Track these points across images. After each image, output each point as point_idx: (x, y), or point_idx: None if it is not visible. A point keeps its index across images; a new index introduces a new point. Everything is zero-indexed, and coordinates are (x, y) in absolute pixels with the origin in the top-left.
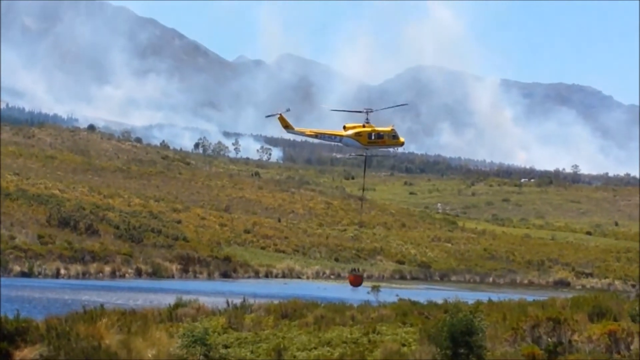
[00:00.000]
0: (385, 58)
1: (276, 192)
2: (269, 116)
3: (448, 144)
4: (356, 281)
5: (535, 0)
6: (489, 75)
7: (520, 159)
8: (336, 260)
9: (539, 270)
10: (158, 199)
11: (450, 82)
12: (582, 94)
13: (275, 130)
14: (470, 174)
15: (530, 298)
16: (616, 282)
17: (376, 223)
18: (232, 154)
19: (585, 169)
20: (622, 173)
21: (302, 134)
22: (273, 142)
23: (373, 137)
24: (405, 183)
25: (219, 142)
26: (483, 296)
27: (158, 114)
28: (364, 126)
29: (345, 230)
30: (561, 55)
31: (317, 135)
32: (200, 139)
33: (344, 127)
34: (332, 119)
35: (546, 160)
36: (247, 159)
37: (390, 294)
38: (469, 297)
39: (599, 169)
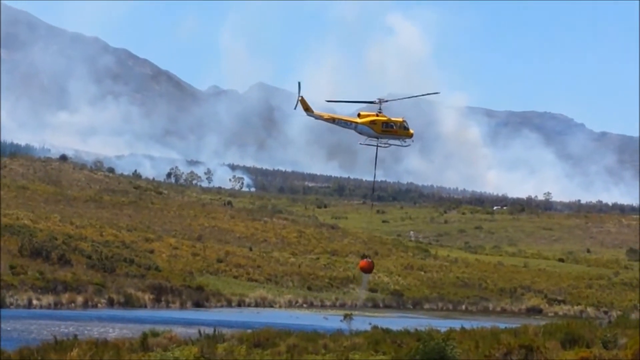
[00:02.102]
0: (353, 85)
1: (248, 221)
2: (299, 83)
3: (417, 170)
4: (368, 267)
5: (507, 25)
6: (456, 100)
7: (490, 185)
8: (309, 289)
9: (512, 297)
10: (130, 228)
11: (418, 108)
12: (554, 121)
13: (237, 158)
14: (443, 201)
15: (502, 325)
16: (588, 309)
17: (349, 251)
18: (204, 183)
19: (555, 195)
20: (594, 200)
21: (320, 117)
22: (245, 170)
23: (386, 127)
24: (378, 211)
25: (191, 172)
26: (455, 324)
27: (122, 142)
28: (377, 115)
29: (317, 258)
30: (533, 82)
31: (334, 121)
32: (172, 168)
33: (359, 115)
34: (296, 144)
35: (515, 185)
36: (220, 188)
37: (363, 322)
38: (442, 324)
39: (567, 195)
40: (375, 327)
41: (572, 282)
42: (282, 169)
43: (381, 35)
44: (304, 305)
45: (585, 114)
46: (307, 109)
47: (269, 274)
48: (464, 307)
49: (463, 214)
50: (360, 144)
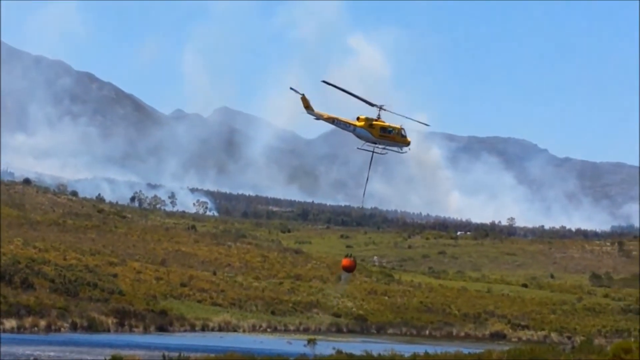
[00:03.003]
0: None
1: (212, 245)
2: (293, 89)
3: (380, 193)
4: (350, 266)
5: (470, 49)
6: (417, 124)
7: (452, 209)
8: (272, 313)
9: (475, 322)
10: (94, 252)
11: None
12: (517, 146)
13: (196, 182)
14: (407, 226)
15: (466, 351)
16: (552, 335)
17: (312, 276)
18: (168, 207)
19: (515, 219)
20: (557, 226)
21: (320, 116)
22: (209, 194)
23: (384, 132)
24: (342, 236)
25: (155, 196)
26: (419, 349)
27: (81, 164)
28: (375, 120)
29: (281, 283)
30: (497, 108)
31: (333, 121)
32: (136, 192)
33: (358, 119)
34: (256, 167)
35: (476, 209)
36: (183, 212)
37: (327, 347)
38: (406, 350)
39: (526, 219)
40: (339, 352)
41: (535, 308)
42: (246, 193)
43: (342, 57)
44: (268, 330)
45: (549, 140)
46: (307, 107)
47: (233, 298)
48: (427, 332)
49: (427, 239)
50: (358, 148)
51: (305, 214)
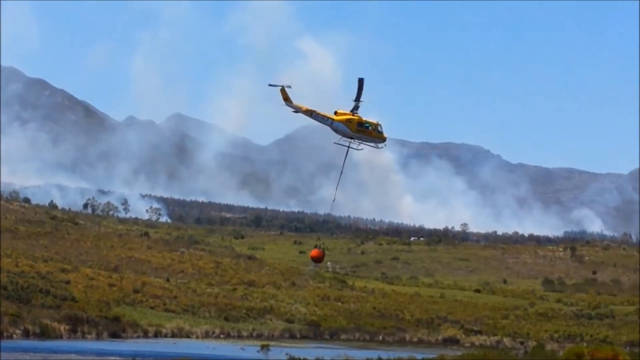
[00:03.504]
0: (267, 110)
1: (165, 251)
2: (271, 85)
3: (330, 199)
4: (318, 256)
5: (423, 54)
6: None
7: (404, 214)
8: (226, 319)
9: (428, 328)
10: (46, 259)
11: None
12: (470, 152)
13: (146, 188)
14: (360, 232)
15: (419, 356)
16: (505, 340)
17: (265, 282)
18: (121, 214)
19: (465, 225)
20: (510, 231)
21: (299, 109)
22: (162, 201)
23: (361, 127)
24: (295, 242)
25: (108, 202)
26: (372, 354)
27: (31, 169)
28: (352, 115)
29: (234, 289)
30: (450, 114)
31: (311, 114)
32: (89, 198)
33: (335, 112)
34: (207, 172)
35: (428, 214)
36: (137, 218)
37: (280, 352)
38: (359, 355)
39: (477, 224)
40: (292, 358)
41: (488, 313)
42: (198, 199)
43: (292, 60)
44: (221, 336)
45: (502, 146)
46: (286, 99)
47: (186, 304)
48: (381, 337)
49: (380, 245)
50: (334, 143)
51: (258, 220)
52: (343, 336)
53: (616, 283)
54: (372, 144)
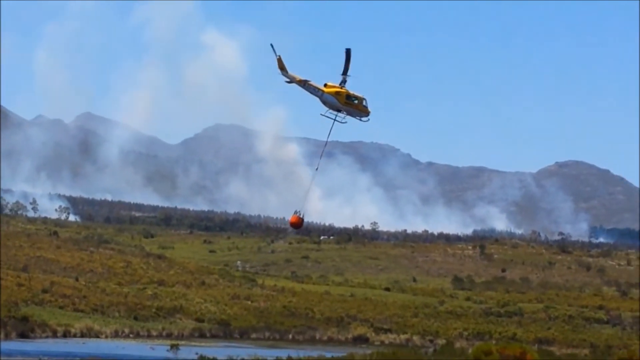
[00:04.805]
0: (175, 104)
1: (75, 251)
2: (272, 45)
3: (240, 197)
4: (297, 222)
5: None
6: (273, 125)
7: (312, 212)
8: (135, 319)
9: (338, 326)
10: None
11: (244, 138)
12: (379, 151)
13: (48, 186)
14: (270, 231)
15: (329, 354)
16: (414, 338)
17: (175, 281)
18: (30, 213)
19: (370, 223)
20: (419, 229)
21: (293, 79)
22: (71, 200)
23: (349, 99)
24: (205, 241)
25: (17, 202)
26: (282, 353)
27: None
28: (341, 88)
29: (144, 288)
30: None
31: (304, 84)
32: None
33: (325, 85)
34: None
35: (335, 212)
36: (45, 218)
37: (190, 352)
38: (269, 354)
39: (385, 222)
40: (202, 357)
41: (398, 311)
42: (108, 198)
43: (197, 53)
44: (131, 336)
45: (412, 144)
46: (282, 67)
47: (95, 304)
48: (290, 336)
49: (290, 243)
50: (321, 114)
51: (168, 219)
52: (253, 335)
53: (525, 281)
54: (357, 117)
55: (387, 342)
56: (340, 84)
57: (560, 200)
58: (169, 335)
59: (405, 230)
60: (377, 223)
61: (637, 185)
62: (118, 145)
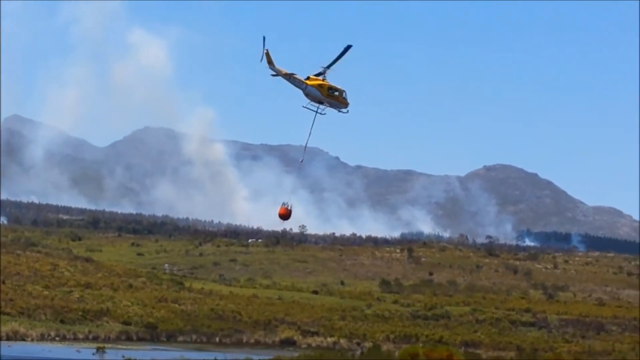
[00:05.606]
0: (103, 105)
1: (1, 254)
2: (264, 38)
3: (167, 199)
4: (285, 213)
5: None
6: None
7: (239, 214)
8: (62, 322)
9: (266, 329)
10: None
11: (171, 140)
12: (307, 154)
13: None
14: (198, 234)
15: (256, 357)
16: (341, 341)
17: (102, 284)
18: None
19: (297, 226)
20: (347, 233)
21: (279, 72)
22: None
23: (331, 91)
24: (133, 244)
25: None
26: (209, 356)
27: None
28: (322, 80)
29: (71, 291)
30: (290, 117)
31: (290, 77)
32: None
33: (308, 78)
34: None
35: (261, 214)
36: None
37: (117, 355)
38: (196, 357)
39: (311, 226)
40: None
41: (325, 314)
42: (35, 201)
43: (124, 53)
44: (57, 339)
45: (341, 148)
46: (269, 62)
47: (22, 307)
48: (218, 339)
49: (218, 246)
50: (303, 107)
51: (96, 222)
52: (180, 338)
53: (452, 284)
54: (337, 109)
55: (314, 345)
56: (317, 75)
57: (485, 203)
58: (95, 338)
59: (334, 234)
60: (305, 226)
61: (564, 189)
62: (43, 146)
